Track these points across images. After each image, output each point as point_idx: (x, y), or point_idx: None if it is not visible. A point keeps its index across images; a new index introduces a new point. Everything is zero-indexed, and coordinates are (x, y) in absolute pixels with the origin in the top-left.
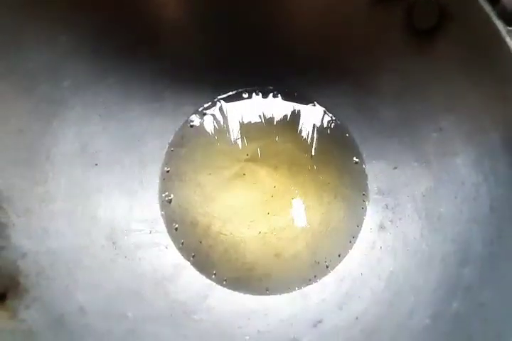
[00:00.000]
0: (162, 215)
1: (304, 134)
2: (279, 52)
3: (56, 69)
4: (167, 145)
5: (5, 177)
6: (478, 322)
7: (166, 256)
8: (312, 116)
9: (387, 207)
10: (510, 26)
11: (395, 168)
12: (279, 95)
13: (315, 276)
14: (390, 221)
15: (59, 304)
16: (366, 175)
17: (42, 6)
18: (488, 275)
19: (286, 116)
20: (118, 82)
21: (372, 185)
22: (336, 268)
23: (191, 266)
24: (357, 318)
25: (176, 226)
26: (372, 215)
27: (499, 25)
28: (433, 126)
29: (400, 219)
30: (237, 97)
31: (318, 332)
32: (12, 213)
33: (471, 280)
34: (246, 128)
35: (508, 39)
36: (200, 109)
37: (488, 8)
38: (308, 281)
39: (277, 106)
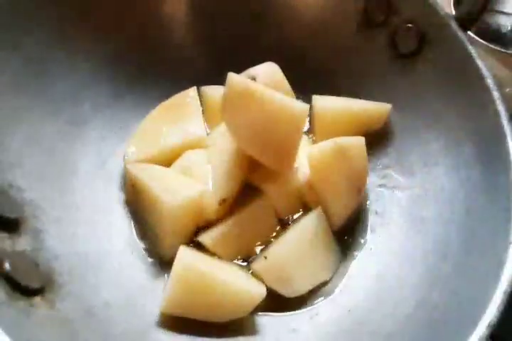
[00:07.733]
0: None
1: None
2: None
3: (77, 94)
4: None
5: (38, 189)
6: (454, 309)
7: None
8: None
9: (376, 213)
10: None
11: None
12: None
13: None
14: (380, 225)
15: (88, 298)
16: None
17: (66, 39)
18: (462, 269)
19: None
20: (131, 102)
21: None
22: None
23: None
24: (349, 311)
25: None
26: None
27: (472, 49)
28: (417, 140)
29: (387, 223)
30: None
31: (314, 323)
32: (45, 220)
33: (448, 274)
34: None
35: (479, 62)
36: None
37: (462, 34)
38: None
39: None
